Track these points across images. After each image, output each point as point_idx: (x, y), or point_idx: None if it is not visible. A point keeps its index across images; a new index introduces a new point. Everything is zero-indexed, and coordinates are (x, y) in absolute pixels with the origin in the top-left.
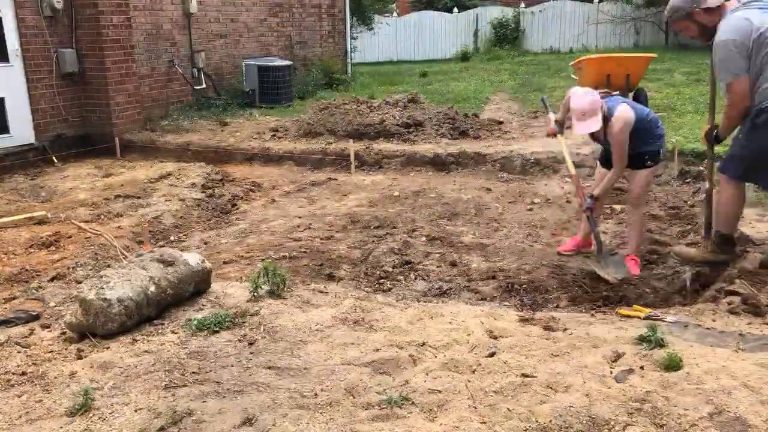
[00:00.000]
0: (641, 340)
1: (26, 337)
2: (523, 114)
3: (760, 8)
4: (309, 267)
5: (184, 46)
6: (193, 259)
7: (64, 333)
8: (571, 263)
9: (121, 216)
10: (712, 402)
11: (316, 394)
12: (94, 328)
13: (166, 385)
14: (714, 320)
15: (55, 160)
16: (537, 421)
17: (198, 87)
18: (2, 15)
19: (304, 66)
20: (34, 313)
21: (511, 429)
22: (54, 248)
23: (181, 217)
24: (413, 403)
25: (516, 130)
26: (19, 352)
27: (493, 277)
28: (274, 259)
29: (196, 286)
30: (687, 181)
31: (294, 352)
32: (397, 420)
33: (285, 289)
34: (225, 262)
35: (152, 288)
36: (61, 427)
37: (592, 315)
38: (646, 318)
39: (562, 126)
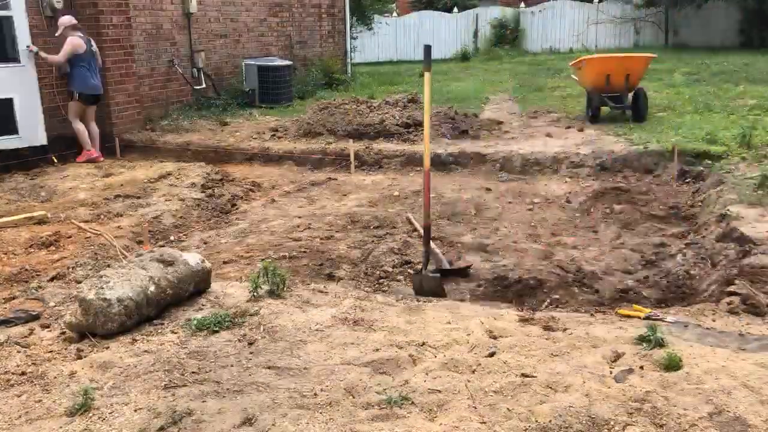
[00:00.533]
0: (641, 340)
1: (26, 336)
2: (523, 114)
3: None
4: (309, 267)
5: (184, 46)
6: (192, 259)
7: (63, 333)
8: (572, 263)
9: (121, 216)
10: (712, 402)
11: (315, 394)
12: (94, 328)
13: (165, 385)
14: (714, 320)
15: (55, 160)
16: (537, 421)
17: (198, 87)
18: (14, 15)
19: (304, 66)
20: (34, 313)
21: (511, 429)
22: (54, 248)
23: (180, 217)
24: (413, 403)
25: (516, 130)
26: (18, 351)
27: (494, 277)
28: (274, 259)
29: (195, 286)
30: (687, 181)
31: (294, 352)
32: (397, 420)
33: (285, 289)
34: (225, 262)
35: (152, 288)
36: (61, 427)
37: (592, 315)
38: (646, 318)
39: None
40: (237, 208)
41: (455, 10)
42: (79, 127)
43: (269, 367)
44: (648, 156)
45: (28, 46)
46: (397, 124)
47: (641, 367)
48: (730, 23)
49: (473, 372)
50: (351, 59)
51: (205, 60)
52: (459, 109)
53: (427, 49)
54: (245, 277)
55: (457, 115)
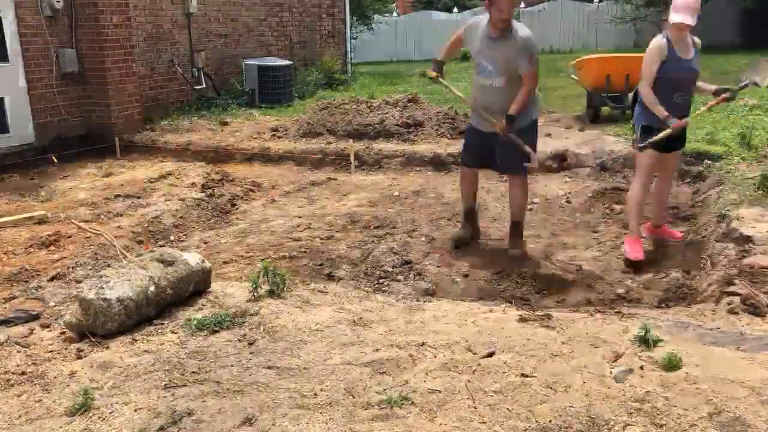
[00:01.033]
0: (641, 340)
1: (26, 336)
2: None
3: None
4: (309, 267)
5: (184, 45)
6: (192, 258)
7: (63, 333)
8: (572, 263)
9: (121, 216)
10: (711, 402)
11: (315, 394)
12: (94, 328)
13: (165, 384)
14: (714, 320)
15: (55, 160)
16: (537, 421)
17: (198, 87)
18: (2, 15)
19: (304, 66)
20: (34, 313)
21: (511, 429)
22: (54, 248)
23: (180, 216)
24: (413, 402)
25: None
26: (18, 351)
27: (494, 276)
28: (274, 258)
29: (195, 286)
30: (687, 181)
31: (294, 352)
32: (397, 420)
33: (285, 288)
34: (225, 262)
35: (152, 288)
36: (61, 427)
37: (592, 315)
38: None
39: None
40: (237, 208)
41: (455, 10)
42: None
43: (269, 367)
44: None
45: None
46: (397, 124)
47: (641, 367)
48: (730, 23)
49: (473, 372)
50: (351, 59)
51: (205, 60)
52: (459, 108)
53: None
54: (245, 277)
55: (458, 115)
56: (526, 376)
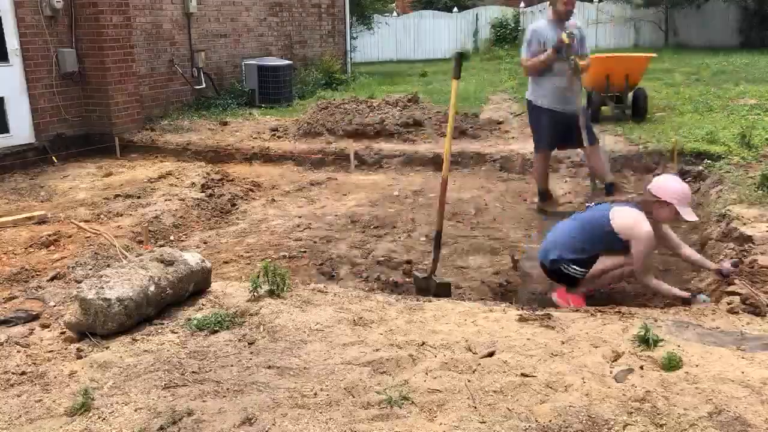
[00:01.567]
0: (641, 339)
1: (26, 336)
2: (523, 114)
3: None
4: (309, 267)
5: (184, 45)
6: (192, 258)
7: (63, 332)
8: None
9: (121, 215)
10: (711, 402)
11: (315, 394)
12: (94, 328)
13: (165, 384)
14: (714, 320)
15: (55, 160)
16: (537, 421)
17: (198, 87)
18: (2, 15)
19: (304, 66)
20: (34, 313)
21: (511, 429)
22: (54, 248)
23: (180, 216)
24: (413, 402)
25: (515, 129)
26: (18, 351)
27: (494, 276)
28: (274, 258)
29: (195, 286)
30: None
31: (294, 352)
32: (397, 420)
33: (285, 288)
34: (225, 262)
35: (152, 288)
36: (61, 427)
37: (592, 315)
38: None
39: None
40: (237, 208)
41: (455, 9)
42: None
43: (269, 367)
44: (648, 156)
45: None
46: (397, 124)
47: (641, 367)
48: (730, 23)
49: (473, 372)
50: (351, 59)
51: (205, 60)
52: (459, 108)
53: (458, 57)
54: (245, 276)
55: (457, 114)
56: (526, 375)
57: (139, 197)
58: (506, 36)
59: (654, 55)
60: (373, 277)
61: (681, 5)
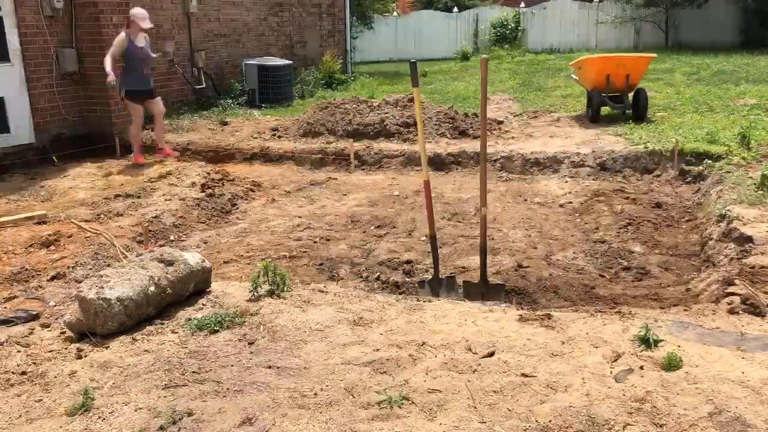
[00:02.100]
0: (641, 340)
1: (26, 336)
2: (523, 114)
3: None
4: (309, 266)
5: (184, 45)
6: (192, 258)
7: (63, 332)
8: (573, 263)
9: (121, 215)
10: (712, 402)
11: (315, 394)
12: (94, 328)
13: (165, 384)
14: (714, 320)
15: (55, 160)
16: (537, 421)
17: (198, 86)
18: (2, 15)
19: (304, 66)
20: (34, 313)
21: (511, 429)
22: (54, 248)
23: (181, 216)
24: (413, 402)
25: (516, 129)
26: (19, 351)
27: (494, 276)
28: (274, 258)
29: (196, 286)
30: (687, 181)
31: (294, 352)
32: (397, 420)
33: (285, 288)
34: (225, 262)
35: (152, 287)
36: (61, 427)
37: (592, 315)
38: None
39: None
40: (237, 208)
41: (455, 9)
42: (132, 130)
43: (269, 367)
44: (648, 156)
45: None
46: (397, 124)
47: (641, 367)
48: (730, 23)
49: (473, 372)
50: (351, 59)
51: (205, 59)
52: (459, 108)
53: (413, 66)
54: (245, 276)
55: (458, 114)
56: (526, 376)
57: (139, 197)
58: (506, 36)
59: (654, 55)
60: (374, 277)
61: (681, 5)
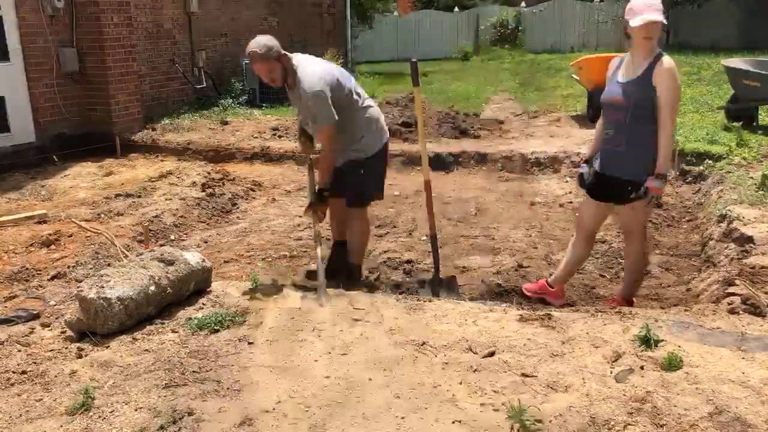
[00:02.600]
0: (641, 340)
1: (26, 335)
2: (524, 113)
3: None
4: (309, 266)
5: (185, 44)
6: (193, 258)
7: (64, 332)
8: None
9: (122, 215)
10: (712, 402)
11: (315, 394)
12: (95, 327)
13: (166, 384)
14: (714, 320)
15: (56, 159)
16: (537, 421)
17: (198, 86)
18: (3, 14)
19: None
20: (35, 312)
21: (511, 429)
22: (54, 247)
23: (181, 216)
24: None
25: (516, 129)
26: (19, 350)
27: (495, 276)
28: (275, 258)
29: (196, 285)
30: (687, 181)
31: (294, 352)
32: (396, 419)
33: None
34: (225, 261)
35: (152, 287)
36: (61, 426)
37: (593, 315)
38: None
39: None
40: (238, 207)
41: (456, 9)
42: None
43: (269, 367)
44: None
45: None
46: (397, 124)
47: (641, 367)
48: (730, 23)
49: (473, 372)
50: (351, 58)
51: (206, 59)
52: (460, 108)
53: (414, 65)
54: (246, 276)
55: (458, 114)
56: (527, 375)
57: (139, 196)
58: (507, 36)
59: None
60: (374, 277)
61: (682, 5)
